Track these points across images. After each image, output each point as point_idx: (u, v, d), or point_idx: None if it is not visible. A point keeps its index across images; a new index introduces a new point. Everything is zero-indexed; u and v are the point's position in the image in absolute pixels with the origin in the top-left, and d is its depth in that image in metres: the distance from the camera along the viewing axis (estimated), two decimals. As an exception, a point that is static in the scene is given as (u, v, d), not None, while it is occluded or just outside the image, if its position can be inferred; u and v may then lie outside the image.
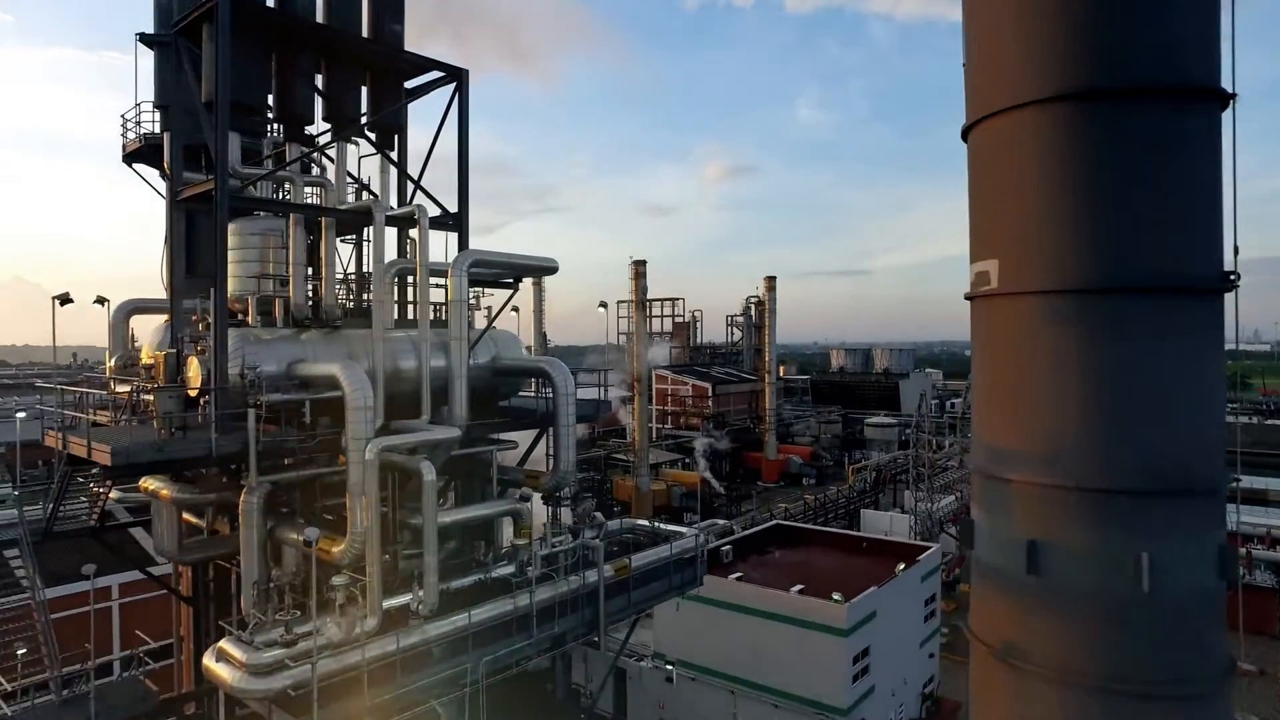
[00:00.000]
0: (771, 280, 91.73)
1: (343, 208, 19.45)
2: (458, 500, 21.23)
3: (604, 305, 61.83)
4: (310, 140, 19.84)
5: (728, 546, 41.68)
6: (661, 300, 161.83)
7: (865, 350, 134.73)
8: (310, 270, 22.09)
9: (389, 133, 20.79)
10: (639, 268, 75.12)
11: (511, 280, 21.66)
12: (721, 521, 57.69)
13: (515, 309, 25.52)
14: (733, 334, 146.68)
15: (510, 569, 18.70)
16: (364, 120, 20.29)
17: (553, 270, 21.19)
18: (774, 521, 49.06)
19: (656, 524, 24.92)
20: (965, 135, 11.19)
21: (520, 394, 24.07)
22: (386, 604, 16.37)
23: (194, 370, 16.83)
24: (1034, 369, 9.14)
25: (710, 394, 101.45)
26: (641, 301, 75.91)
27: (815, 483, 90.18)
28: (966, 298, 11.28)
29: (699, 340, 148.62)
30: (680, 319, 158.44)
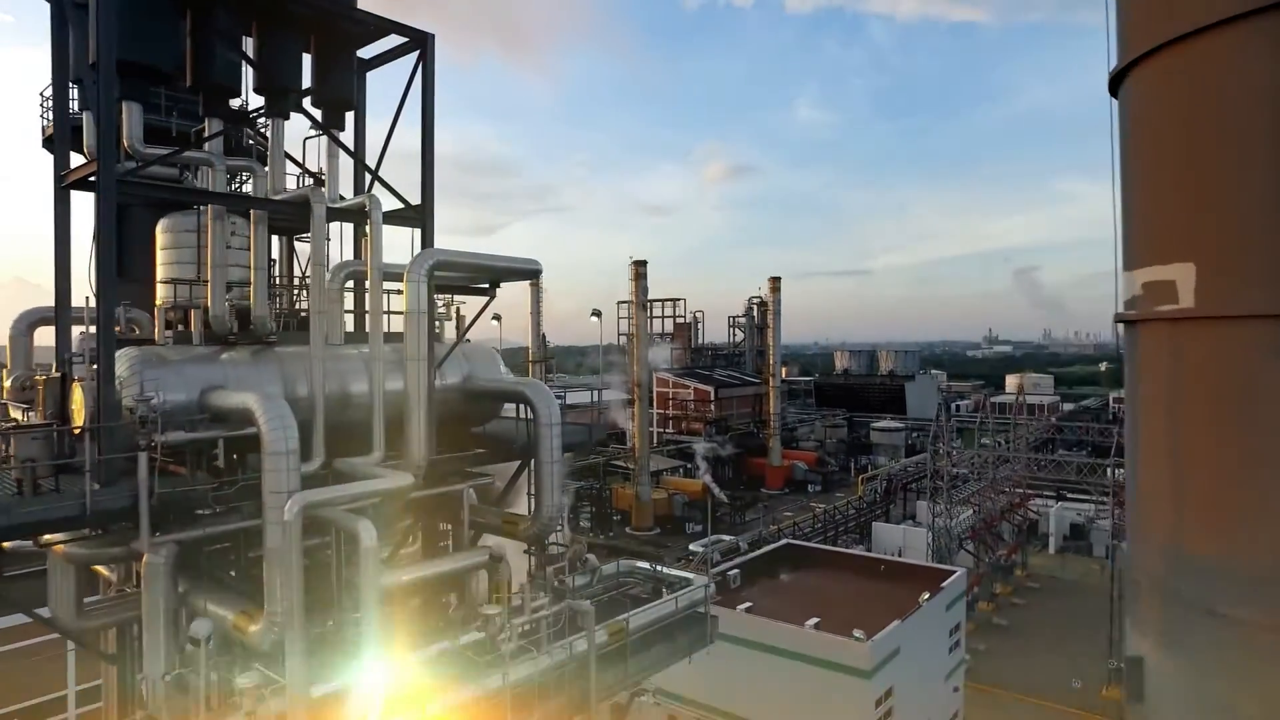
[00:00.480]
0: (776, 281, 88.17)
1: (276, 198, 15.83)
2: (423, 546, 17.70)
3: (598, 314, 58.27)
4: (240, 116, 16.27)
5: (735, 570, 38.15)
6: (663, 301, 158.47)
7: (870, 352, 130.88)
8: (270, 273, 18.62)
9: (338, 109, 17.19)
10: (639, 268, 71.54)
11: (488, 285, 18.06)
12: (727, 538, 54.22)
13: (496, 317, 22.02)
14: (735, 335, 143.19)
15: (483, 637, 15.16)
16: (306, 94, 16.72)
17: (535, 273, 17.60)
18: (784, 541, 45.49)
19: (659, 567, 21.33)
20: (1116, 84, 7.51)
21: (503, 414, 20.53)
22: (320, 690, 12.85)
23: (79, 400, 13.25)
24: (1285, 443, 5.55)
25: (713, 398, 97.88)
26: (642, 303, 72.33)
27: (821, 490, 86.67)
28: (1120, 320, 7.62)
29: (700, 341, 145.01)
30: (681, 320, 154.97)
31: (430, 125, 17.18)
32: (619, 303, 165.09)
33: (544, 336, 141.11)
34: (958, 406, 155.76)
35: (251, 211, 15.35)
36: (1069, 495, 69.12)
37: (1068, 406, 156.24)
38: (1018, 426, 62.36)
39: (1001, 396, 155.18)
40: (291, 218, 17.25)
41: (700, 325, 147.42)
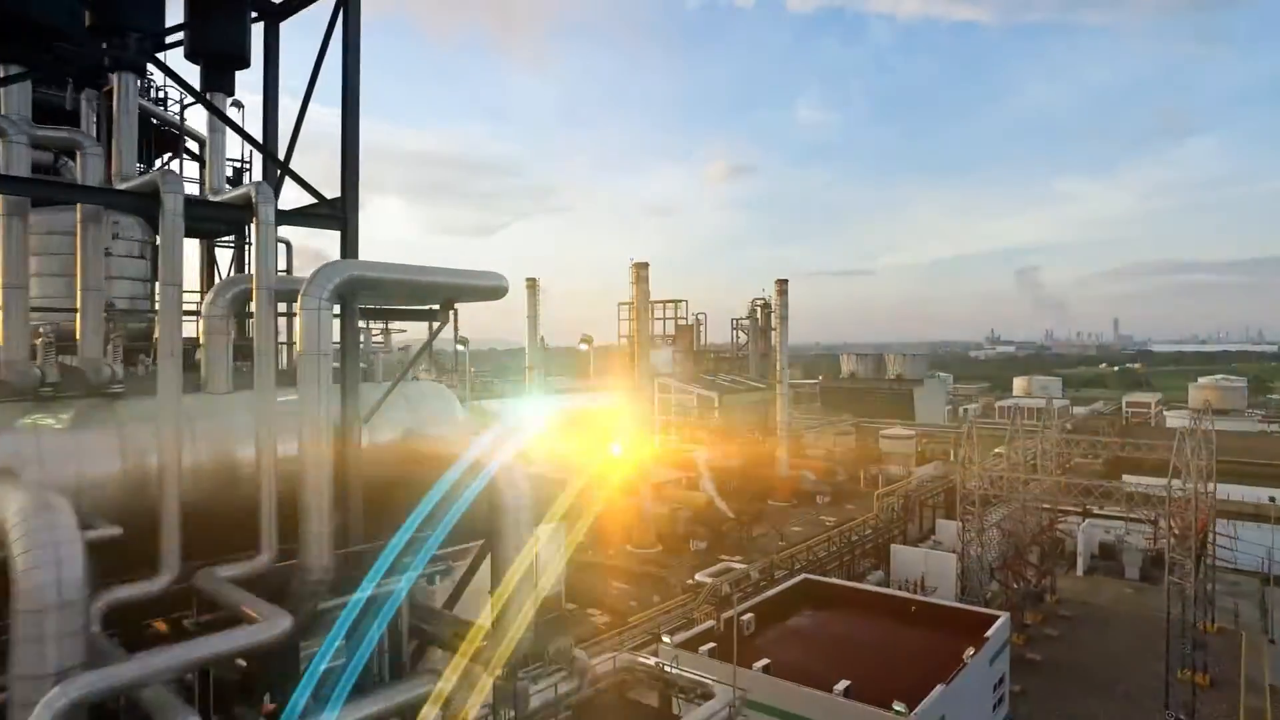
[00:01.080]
0: (783, 284, 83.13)
1: (123, 188, 10.87)
2: (346, 664, 12.77)
3: (588, 341, 53.31)
4: (60, 66, 11.32)
5: (749, 615, 33.26)
6: (664, 303, 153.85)
7: (877, 355, 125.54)
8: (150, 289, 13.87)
9: (224, 66, 12.30)
10: (640, 271, 66.50)
11: (438, 308, 13.13)
12: (737, 565, 49.24)
13: (461, 344, 17.05)
14: (738, 338, 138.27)
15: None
16: (177, 44, 11.79)
17: (498, 291, 12.64)
18: (801, 576, 40.58)
19: (665, 665, 16.43)
20: None
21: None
22: None
23: None
24: None
25: (716, 404, 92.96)
26: (643, 308, 67.30)
27: (830, 500, 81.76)
28: None
29: (703, 344, 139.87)
30: (683, 321, 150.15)
31: (353, 91, 12.19)
32: (619, 304, 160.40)
33: (542, 339, 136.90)
34: (966, 410, 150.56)
35: (79, 208, 10.40)
36: (1095, 512, 64.18)
37: (1078, 410, 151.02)
38: (1044, 433, 57.20)
39: (1013, 400, 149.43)
40: (214, 220, 12.43)
41: (703, 328, 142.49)
